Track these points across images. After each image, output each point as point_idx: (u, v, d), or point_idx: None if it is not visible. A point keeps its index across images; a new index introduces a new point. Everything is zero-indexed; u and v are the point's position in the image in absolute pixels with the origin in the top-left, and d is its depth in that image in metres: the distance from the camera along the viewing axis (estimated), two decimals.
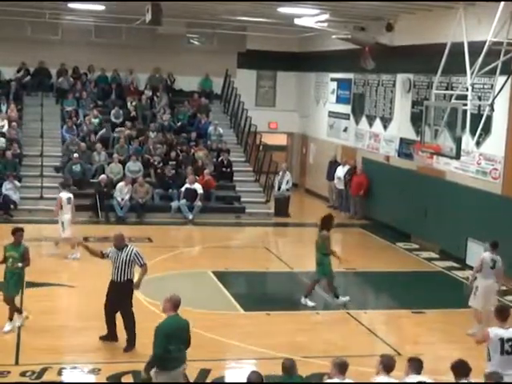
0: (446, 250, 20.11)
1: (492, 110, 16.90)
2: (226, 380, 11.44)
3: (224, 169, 25.66)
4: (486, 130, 18.05)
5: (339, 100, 27.66)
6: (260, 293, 17.17)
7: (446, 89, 19.80)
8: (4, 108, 26.44)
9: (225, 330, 13.47)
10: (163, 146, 25.65)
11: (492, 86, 17.05)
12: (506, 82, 16.61)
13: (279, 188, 25.30)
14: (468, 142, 17.32)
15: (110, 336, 12.43)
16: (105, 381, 10.94)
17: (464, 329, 13.83)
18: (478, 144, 18.48)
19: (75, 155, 24.06)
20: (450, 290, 17.15)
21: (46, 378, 10.94)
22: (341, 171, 25.68)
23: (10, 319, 12.90)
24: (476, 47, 16.57)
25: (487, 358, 9.19)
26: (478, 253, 15.60)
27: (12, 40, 27.32)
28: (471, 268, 16.05)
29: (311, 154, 30.20)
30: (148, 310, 13.71)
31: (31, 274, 15.83)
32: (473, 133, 17.13)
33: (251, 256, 19.78)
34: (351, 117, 26.49)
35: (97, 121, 26.61)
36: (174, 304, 9.23)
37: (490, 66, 16.33)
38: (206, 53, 29.68)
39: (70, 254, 18.00)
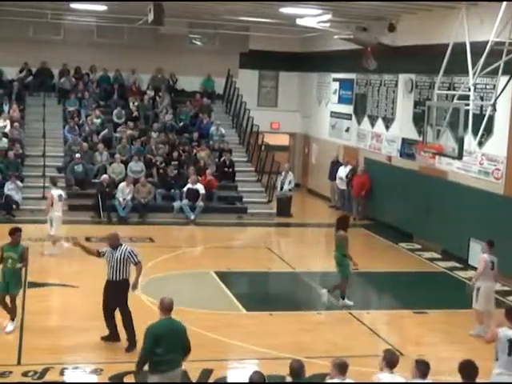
0: (449, 251, 20.10)
1: (494, 110, 16.89)
2: (229, 380, 11.44)
3: (226, 169, 25.66)
4: (488, 130, 18.04)
5: (341, 100, 27.66)
6: (262, 293, 17.19)
7: (448, 89, 19.79)
8: (6, 108, 26.46)
9: (227, 330, 13.47)
10: (165, 146, 25.65)
11: (494, 86, 17.04)
12: (508, 82, 16.58)
13: (281, 188, 25.31)
14: (470, 142, 17.28)
15: (112, 336, 12.43)
16: (107, 381, 10.94)
17: (466, 329, 13.83)
18: (480, 144, 18.48)
19: (77, 155, 24.07)
20: (452, 290, 17.14)
21: (47, 378, 10.94)
22: (343, 171, 25.68)
23: (12, 319, 12.90)
24: (478, 47, 16.55)
25: (495, 357, 9.24)
26: (480, 253, 15.55)
27: (14, 40, 27.34)
28: (474, 268, 16.05)
29: (313, 154, 30.20)
30: (150, 309, 13.67)
31: (33, 274, 15.90)
32: (475, 133, 17.11)
33: (253, 256, 19.77)
34: (353, 117, 26.48)
35: (99, 121, 26.61)
36: (164, 307, 9.04)
37: (493, 66, 16.31)
38: (208, 53, 29.69)
39: (47, 249, 18.04)
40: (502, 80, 16.51)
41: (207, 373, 11.22)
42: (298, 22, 23.21)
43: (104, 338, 12.44)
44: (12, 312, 12.90)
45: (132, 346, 12.04)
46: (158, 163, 24.83)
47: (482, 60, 16.24)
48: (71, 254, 18.21)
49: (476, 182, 19.15)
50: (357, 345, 13.07)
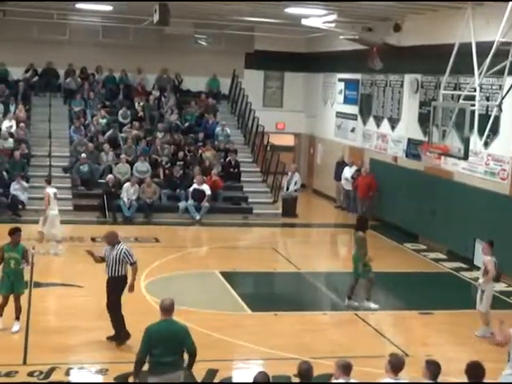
0: (454, 251, 20.07)
1: (500, 110, 16.85)
2: (234, 380, 11.43)
3: (231, 169, 25.67)
4: (494, 130, 18.01)
5: (347, 100, 27.65)
6: (267, 293, 17.19)
7: (454, 89, 19.76)
8: (12, 108, 26.52)
9: (232, 330, 13.47)
10: (170, 147, 25.67)
11: (500, 86, 17.01)
12: None
13: (287, 188, 25.30)
14: (476, 142, 17.26)
15: (118, 335, 12.45)
16: (112, 381, 10.95)
17: (472, 330, 13.81)
18: (486, 145, 18.44)
19: (83, 155, 24.11)
20: (457, 290, 17.12)
21: (53, 377, 10.96)
22: (348, 172, 25.66)
23: (17, 319, 12.91)
24: (484, 47, 16.53)
25: (508, 358, 9.24)
26: (483, 255, 15.53)
27: (20, 40, 27.39)
28: (479, 269, 16.00)
29: (319, 155, 30.19)
30: (155, 309, 13.68)
31: (39, 274, 15.95)
32: (481, 133, 17.07)
33: (258, 256, 19.77)
34: (359, 117, 26.46)
35: (104, 121, 26.65)
36: (164, 308, 8.95)
37: (498, 67, 16.28)
38: (214, 53, 29.70)
39: (52, 249, 18.18)
40: (508, 80, 16.46)
41: (212, 373, 11.22)
42: (304, 22, 23.20)
43: (109, 338, 12.45)
44: (17, 312, 12.91)
45: (117, 339, 12.32)
46: (163, 163, 24.85)
47: (487, 60, 16.22)
48: (76, 254, 18.29)
49: (482, 183, 19.11)
50: (362, 345, 13.05)
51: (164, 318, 8.95)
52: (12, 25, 26.77)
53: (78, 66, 28.84)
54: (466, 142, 16.58)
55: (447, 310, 15.33)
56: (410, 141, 22.76)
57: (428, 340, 13.72)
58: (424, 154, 21.41)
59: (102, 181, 23.76)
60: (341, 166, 26.49)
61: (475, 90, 16.91)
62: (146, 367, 8.91)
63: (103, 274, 12.44)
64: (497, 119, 17.59)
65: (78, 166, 23.97)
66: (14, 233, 12.91)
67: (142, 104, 27.84)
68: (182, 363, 8.98)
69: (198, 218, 23.28)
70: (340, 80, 28.20)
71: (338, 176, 26.54)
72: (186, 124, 27.75)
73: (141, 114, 27.57)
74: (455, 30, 18.10)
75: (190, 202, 23.44)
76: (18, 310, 12.92)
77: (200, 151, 25.97)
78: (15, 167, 23.45)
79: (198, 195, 23.43)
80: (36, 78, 28.37)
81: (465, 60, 17.19)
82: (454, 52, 17.57)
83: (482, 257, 14.09)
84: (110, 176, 23.38)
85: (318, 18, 22.63)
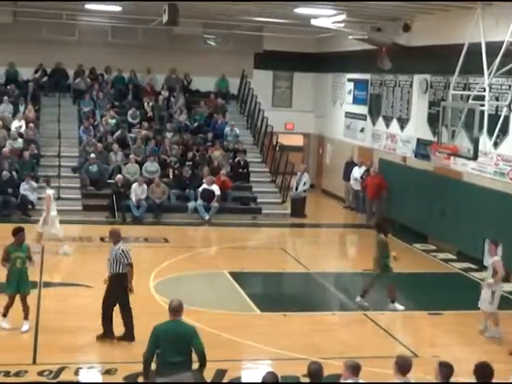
0: (463, 252, 20.02)
1: (510, 110, 16.82)
2: (243, 380, 11.43)
3: (240, 169, 25.67)
4: (504, 130, 17.95)
5: (356, 101, 27.62)
6: (276, 293, 17.19)
7: (464, 89, 19.71)
8: (22, 108, 26.61)
9: (241, 330, 13.48)
10: (179, 147, 25.69)
11: (510, 86, 17.01)
12: None
13: (296, 189, 25.28)
14: (485, 142, 17.23)
15: (128, 335, 12.49)
16: (121, 381, 10.96)
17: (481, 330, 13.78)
18: (495, 145, 18.38)
19: (92, 156, 24.16)
20: (466, 291, 17.05)
21: (62, 377, 10.99)
22: (357, 172, 25.63)
23: (26, 318, 12.95)
24: (494, 47, 16.49)
25: None
26: (490, 255, 15.50)
27: (29, 41, 27.46)
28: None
29: (328, 155, 30.17)
30: (164, 309, 13.70)
31: (48, 274, 16.01)
32: (490, 134, 17.05)
33: (267, 257, 19.77)
34: (368, 117, 26.44)
35: (113, 121, 26.69)
36: (172, 309, 8.98)
37: (508, 67, 16.26)
38: (223, 53, 29.72)
39: (60, 249, 18.24)
40: None
41: (221, 373, 11.23)
42: (313, 22, 23.19)
43: (119, 338, 12.50)
44: (25, 311, 12.95)
45: (102, 336, 12.53)
46: (172, 163, 24.87)
47: (497, 60, 16.20)
48: (85, 254, 18.35)
49: (491, 183, 19.06)
50: (371, 346, 13.03)
51: (172, 319, 8.96)
52: (22, 25, 26.84)
53: (88, 67, 28.92)
54: (475, 142, 16.55)
55: (456, 310, 15.31)
56: (419, 141, 22.72)
57: (437, 340, 13.69)
58: (433, 155, 21.38)
59: (111, 181, 23.79)
60: (350, 166, 26.46)
61: (485, 90, 16.88)
62: (153, 367, 8.94)
63: None
64: (506, 119, 17.53)
65: (87, 166, 24.03)
66: (18, 233, 12.93)
67: (151, 104, 27.87)
68: (190, 364, 8.97)
69: (207, 218, 23.29)
70: (349, 80, 28.17)
71: (346, 176, 26.50)
72: (195, 124, 27.77)
73: (150, 114, 27.61)
74: (465, 30, 18.06)
75: (200, 202, 23.45)
76: (26, 309, 12.96)
77: (209, 151, 25.99)
78: (25, 167, 23.52)
79: (208, 195, 23.44)
80: (45, 79, 28.45)
81: (474, 60, 17.16)
82: (464, 52, 17.54)
83: (489, 258, 14.05)
84: (119, 176, 23.42)
85: (327, 18, 22.61)
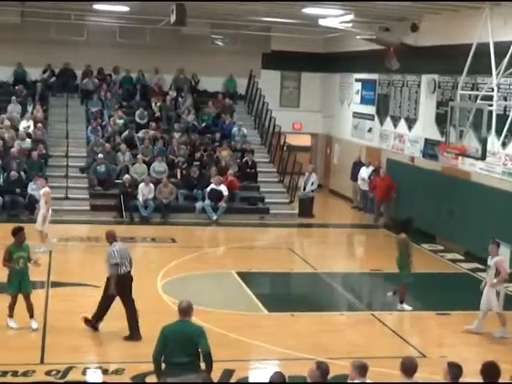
0: (471, 252, 19.97)
1: None
2: (250, 380, 11.43)
3: (248, 169, 25.67)
4: None
5: (364, 101, 27.60)
6: (284, 293, 17.17)
7: (472, 89, 19.67)
8: (30, 109, 26.67)
9: (249, 330, 13.48)
10: (187, 147, 25.70)
11: None
12: None
13: (304, 189, 25.27)
14: (493, 142, 17.20)
15: (134, 334, 12.51)
16: (129, 381, 10.97)
17: (488, 331, 13.74)
18: (503, 145, 18.32)
19: (100, 156, 24.20)
20: (474, 291, 16.92)
21: (70, 377, 11.00)
22: (365, 172, 25.60)
23: (32, 317, 12.97)
24: (502, 47, 16.47)
25: None
26: (503, 255, 15.49)
27: (38, 41, 27.54)
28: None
29: (335, 155, 30.14)
30: (171, 309, 13.72)
31: (56, 273, 16.02)
32: (498, 133, 17.00)
33: (275, 257, 19.76)
34: (376, 117, 26.41)
35: (121, 122, 26.71)
36: (180, 310, 8.99)
37: None
38: (231, 53, 29.72)
39: (37, 247, 18.08)
40: None
41: (229, 373, 11.22)
42: (321, 22, 23.17)
43: (126, 338, 12.52)
44: (29, 310, 12.97)
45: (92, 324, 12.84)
46: (180, 164, 24.89)
47: (505, 60, 16.17)
48: (93, 254, 18.36)
49: (499, 183, 19.01)
50: (379, 346, 13.02)
51: (180, 319, 8.98)
52: (30, 26, 26.94)
53: (95, 67, 28.96)
54: (483, 142, 16.52)
55: (464, 310, 15.25)
56: (427, 141, 22.68)
57: (444, 341, 13.67)
58: (441, 155, 21.33)
59: (119, 181, 23.82)
60: (357, 166, 26.43)
61: (493, 90, 16.85)
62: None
63: None
64: None
65: (95, 166, 24.07)
66: (17, 233, 12.95)
67: (158, 104, 27.90)
68: (198, 364, 8.97)
69: (214, 218, 23.30)
70: (357, 80, 28.15)
71: (354, 176, 26.47)
72: (203, 124, 27.78)
73: (158, 114, 27.64)
74: (473, 30, 18.03)
75: (207, 202, 23.46)
76: (30, 308, 12.98)
77: (217, 151, 25.99)
78: (33, 167, 23.55)
79: (216, 195, 23.45)
80: (53, 79, 28.50)
81: (482, 60, 17.13)
82: (472, 52, 17.52)
83: (491, 258, 14.02)
84: (126, 176, 23.45)
85: (334, 18, 22.60)
